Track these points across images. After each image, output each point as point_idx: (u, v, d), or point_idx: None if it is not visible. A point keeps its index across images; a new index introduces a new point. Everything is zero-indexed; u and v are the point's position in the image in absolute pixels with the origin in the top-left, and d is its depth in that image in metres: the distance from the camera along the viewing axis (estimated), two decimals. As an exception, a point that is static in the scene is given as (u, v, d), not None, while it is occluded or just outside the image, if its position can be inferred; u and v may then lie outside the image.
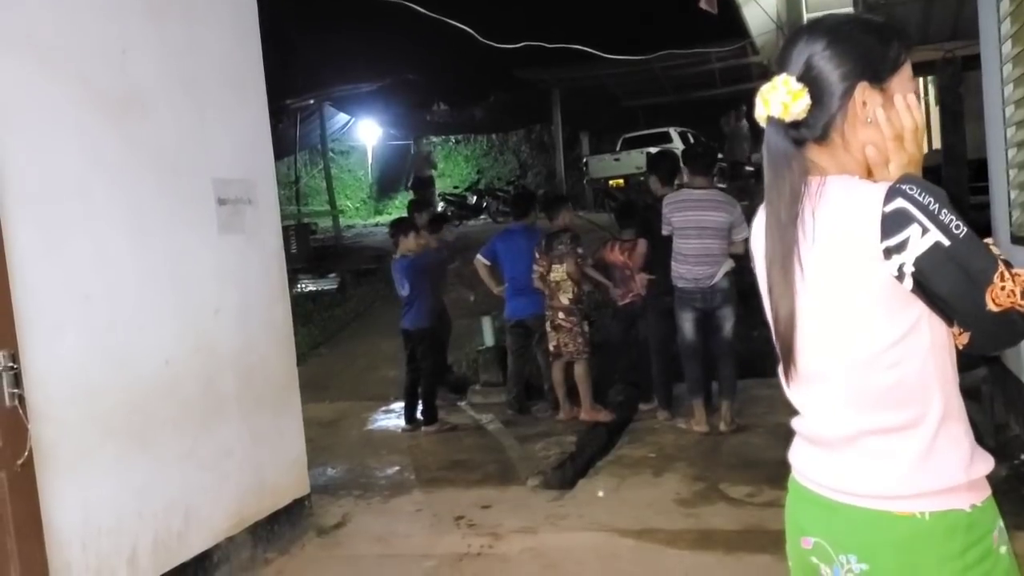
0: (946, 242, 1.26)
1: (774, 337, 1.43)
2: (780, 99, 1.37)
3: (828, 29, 1.42)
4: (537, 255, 6.61)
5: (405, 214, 9.36)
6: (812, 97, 1.37)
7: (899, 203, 1.28)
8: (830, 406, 1.40)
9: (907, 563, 1.33)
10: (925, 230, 1.26)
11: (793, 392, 1.47)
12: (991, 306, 1.26)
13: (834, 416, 1.40)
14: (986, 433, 4.75)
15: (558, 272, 6.53)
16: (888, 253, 1.28)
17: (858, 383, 1.36)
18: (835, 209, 1.34)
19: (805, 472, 1.46)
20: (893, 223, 1.28)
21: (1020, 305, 1.27)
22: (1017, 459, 4.64)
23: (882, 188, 1.31)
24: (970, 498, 1.35)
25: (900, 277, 1.28)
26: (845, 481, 1.38)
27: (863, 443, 1.37)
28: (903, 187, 1.30)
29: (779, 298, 1.39)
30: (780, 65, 1.42)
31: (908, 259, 1.27)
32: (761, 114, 1.39)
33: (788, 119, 1.37)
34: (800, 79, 1.38)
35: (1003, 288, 1.27)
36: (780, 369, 1.49)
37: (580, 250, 6.61)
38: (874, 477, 1.36)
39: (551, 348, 6.63)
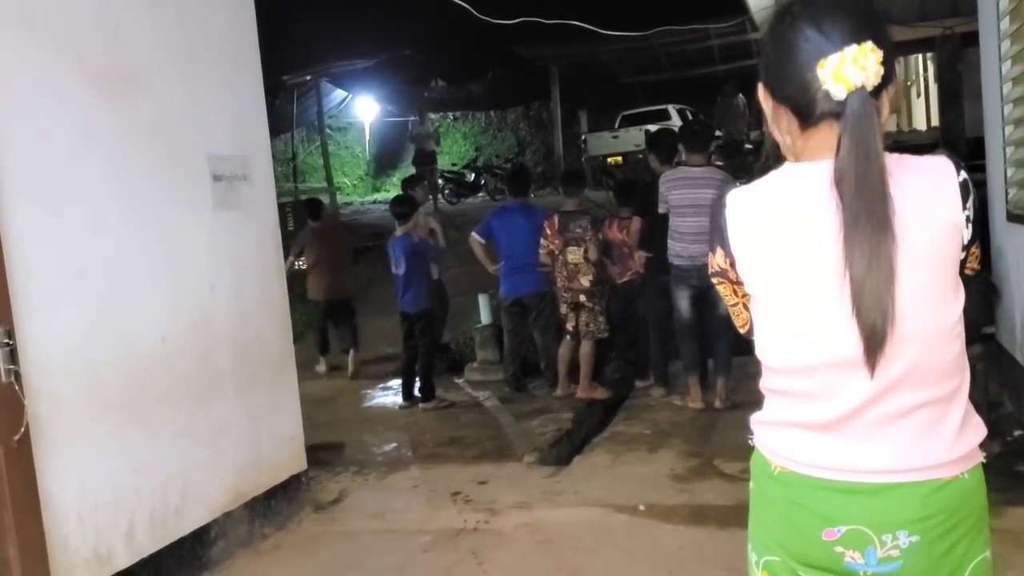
0: (975, 212, 1.38)
1: (860, 328, 1.30)
2: (874, 67, 1.30)
3: (855, 2, 1.39)
4: (548, 232, 6.59)
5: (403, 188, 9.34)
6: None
7: (963, 174, 1.36)
8: (884, 385, 1.35)
9: (953, 523, 1.37)
10: (974, 199, 1.37)
11: (818, 379, 1.39)
12: (965, 268, 1.41)
13: (887, 395, 1.36)
14: (980, 410, 4.76)
15: (575, 254, 6.52)
16: (967, 221, 1.36)
17: (934, 355, 1.36)
18: (908, 183, 1.32)
19: (827, 463, 1.40)
20: (965, 193, 1.35)
21: (975, 270, 1.44)
22: (1010, 436, 4.67)
23: (945, 160, 1.38)
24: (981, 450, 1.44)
25: (964, 246, 1.37)
26: (892, 460, 1.37)
27: (917, 416, 1.36)
28: (958, 159, 1.38)
29: (870, 288, 1.29)
30: (836, 34, 1.31)
31: (971, 227, 1.37)
32: (856, 81, 1.29)
33: (870, 88, 1.31)
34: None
35: (974, 254, 1.42)
36: (814, 357, 1.39)
37: (600, 235, 6.61)
38: (926, 449, 1.37)
39: (569, 328, 6.64)
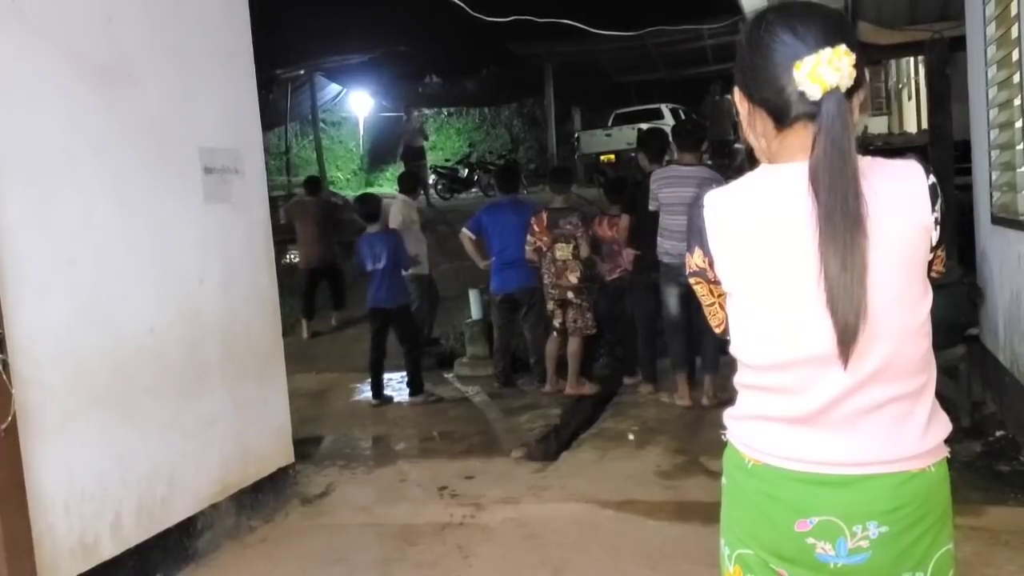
0: (942, 215, 1.42)
1: (834, 323, 1.33)
2: (847, 69, 1.33)
3: (827, 8, 1.43)
4: (536, 228, 6.60)
5: (398, 185, 9.44)
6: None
7: (932, 178, 1.41)
8: (857, 380, 1.38)
9: (920, 514, 1.41)
10: (943, 202, 1.41)
11: (793, 374, 1.42)
12: (931, 271, 1.45)
13: (860, 389, 1.39)
14: (963, 411, 4.81)
15: (564, 251, 6.53)
16: (936, 223, 1.40)
17: (905, 352, 1.40)
18: (880, 185, 1.36)
19: (801, 456, 1.43)
20: (934, 195, 1.40)
21: (940, 272, 1.49)
22: (992, 435, 4.71)
23: (915, 163, 1.42)
24: (946, 445, 1.48)
25: (933, 247, 1.42)
26: (864, 452, 1.40)
27: (888, 410, 1.40)
28: (927, 163, 1.42)
29: (843, 284, 1.32)
30: (811, 37, 1.35)
31: (939, 229, 1.41)
32: (831, 82, 1.32)
33: (844, 90, 1.34)
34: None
35: (939, 257, 1.48)
36: (790, 353, 1.41)
37: (591, 232, 6.63)
38: (896, 442, 1.41)
39: (557, 324, 6.66)
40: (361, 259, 6.92)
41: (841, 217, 1.31)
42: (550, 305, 6.70)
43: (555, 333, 6.72)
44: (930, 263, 1.44)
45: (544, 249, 6.59)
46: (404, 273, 7.05)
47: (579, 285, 6.58)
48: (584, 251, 6.54)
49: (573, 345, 6.62)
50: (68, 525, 3.26)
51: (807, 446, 1.43)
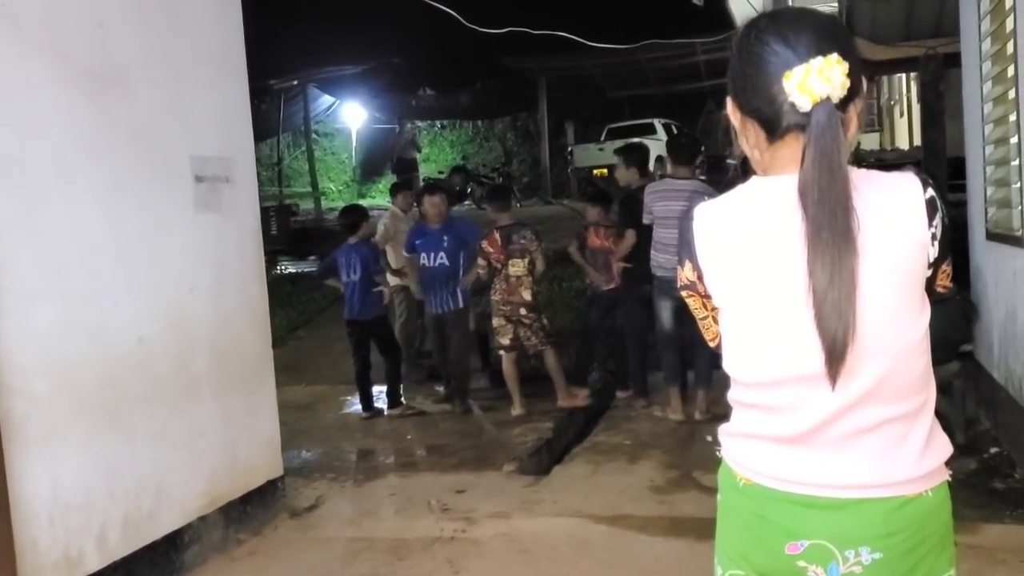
0: (942, 230, 1.37)
1: (821, 340, 1.29)
2: (839, 79, 1.28)
3: (821, 15, 1.39)
4: (490, 248, 6.48)
5: (391, 196, 9.38)
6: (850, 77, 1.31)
7: (931, 191, 1.35)
8: (849, 400, 1.34)
9: (917, 541, 1.36)
10: (943, 216, 1.35)
11: (784, 392, 1.39)
12: (935, 286, 1.40)
13: (852, 409, 1.35)
14: (957, 428, 4.79)
15: (518, 266, 6.46)
16: (933, 239, 1.35)
17: (899, 371, 1.35)
18: (873, 198, 1.32)
19: (791, 477, 1.40)
20: (932, 210, 1.34)
21: (947, 287, 1.44)
22: (987, 453, 4.70)
23: (912, 176, 1.37)
24: (947, 467, 1.43)
25: (931, 263, 1.36)
26: (856, 475, 1.36)
27: (881, 432, 1.36)
28: (926, 176, 1.36)
29: (831, 301, 1.28)
30: (802, 47, 1.31)
31: (938, 245, 1.35)
32: (821, 93, 1.28)
33: (836, 100, 1.29)
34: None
35: (945, 272, 1.42)
36: (780, 371, 1.38)
37: (542, 245, 6.62)
38: (890, 465, 1.36)
39: (506, 342, 6.55)
40: (325, 269, 7.18)
41: (829, 232, 1.27)
42: (498, 322, 6.58)
43: (503, 352, 6.58)
44: (931, 278, 1.39)
45: (499, 267, 6.53)
46: (380, 288, 6.95)
47: (531, 302, 6.53)
48: (540, 265, 6.52)
49: (551, 361, 6.54)
50: (52, 537, 3.20)
51: (798, 467, 1.39)
